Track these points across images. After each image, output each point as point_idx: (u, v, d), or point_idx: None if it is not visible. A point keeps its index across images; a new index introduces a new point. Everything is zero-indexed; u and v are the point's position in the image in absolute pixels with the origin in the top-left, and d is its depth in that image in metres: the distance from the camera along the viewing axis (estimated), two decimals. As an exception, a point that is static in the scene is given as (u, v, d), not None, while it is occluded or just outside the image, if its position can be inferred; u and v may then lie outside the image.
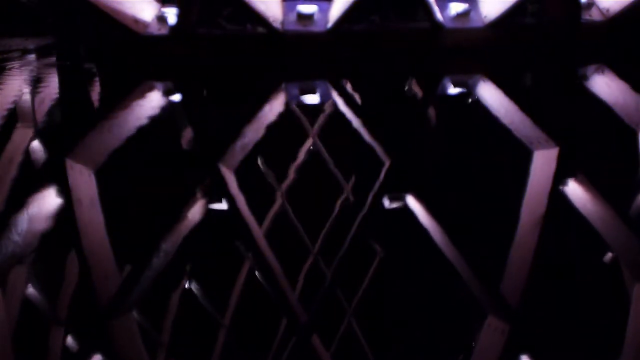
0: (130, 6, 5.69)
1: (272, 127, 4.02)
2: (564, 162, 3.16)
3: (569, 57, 5.95)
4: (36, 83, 5.55)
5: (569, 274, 2.06)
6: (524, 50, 5.92)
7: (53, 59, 6.39)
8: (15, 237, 2.26)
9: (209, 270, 2.14)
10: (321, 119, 4.22)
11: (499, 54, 5.83)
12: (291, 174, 3.11)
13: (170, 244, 2.23)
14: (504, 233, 2.32)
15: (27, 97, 4.96)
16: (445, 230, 2.31)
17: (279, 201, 2.74)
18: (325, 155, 3.39)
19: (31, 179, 3.04)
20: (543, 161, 3.16)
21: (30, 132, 3.91)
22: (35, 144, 3.62)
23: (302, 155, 3.40)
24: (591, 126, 3.87)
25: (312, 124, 4.05)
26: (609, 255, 2.17)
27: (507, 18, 5.88)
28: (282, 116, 4.34)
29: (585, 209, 2.54)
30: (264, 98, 4.89)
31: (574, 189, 2.76)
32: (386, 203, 2.62)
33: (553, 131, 3.79)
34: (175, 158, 3.33)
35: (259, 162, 3.27)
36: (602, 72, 4.89)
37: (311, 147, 3.55)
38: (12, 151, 3.46)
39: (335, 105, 4.78)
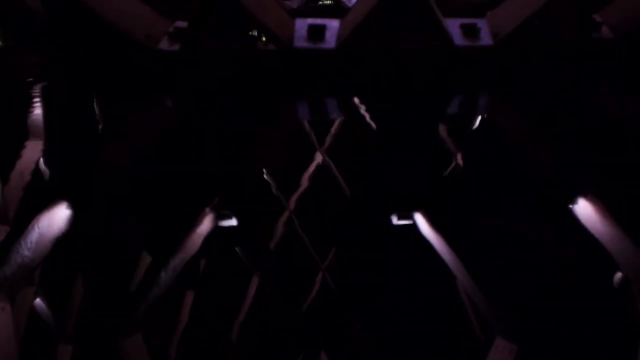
0: (142, 22, 5.72)
1: (281, 143, 4.04)
2: (574, 180, 3.16)
3: (580, 74, 5.95)
4: (47, 97, 5.57)
5: (578, 293, 2.05)
6: (534, 67, 5.92)
7: (62, 73, 6.42)
8: (25, 252, 2.26)
9: (216, 285, 2.14)
10: (330, 135, 4.23)
11: (509, 72, 5.84)
12: (299, 190, 3.12)
13: (178, 260, 2.23)
14: (513, 251, 2.31)
15: (38, 111, 5.00)
16: (453, 248, 2.30)
17: (286, 216, 2.74)
18: (335, 171, 3.39)
19: (41, 194, 3.05)
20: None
21: (40, 146, 3.93)
22: (46, 159, 3.64)
23: (310, 171, 3.40)
24: (601, 144, 3.86)
25: (321, 140, 4.05)
26: (619, 275, 2.16)
27: (516, 36, 5.89)
28: (291, 132, 4.35)
29: (595, 228, 2.53)
30: (272, 116, 4.92)
31: (583, 208, 2.75)
32: (394, 220, 2.61)
33: (563, 150, 3.80)
34: (185, 173, 3.34)
35: (267, 177, 3.27)
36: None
37: (320, 163, 3.55)
38: (22, 166, 3.47)
39: (344, 122, 4.80)
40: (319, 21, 5.83)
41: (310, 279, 2.13)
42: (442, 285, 2.10)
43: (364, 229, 2.59)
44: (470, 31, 5.77)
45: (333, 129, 4.54)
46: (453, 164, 3.58)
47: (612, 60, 5.99)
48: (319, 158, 3.67)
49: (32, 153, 3.76)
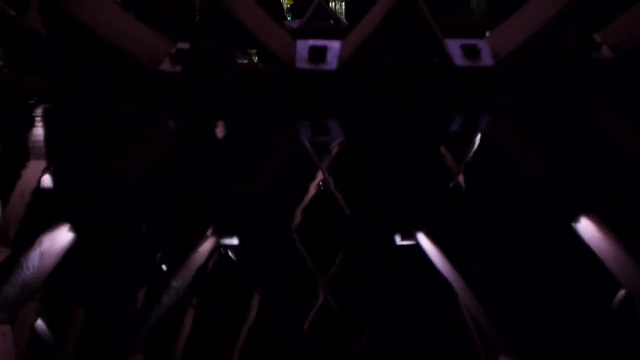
0: (143, 43, 5.75)
1: (281, 164, 4.04)
2: (576, 199, 3.16)
3: (580, 93, 5.98)
4: (49, 117, 5.58)
5: (583, 312, 2.04)
6: (534, 87, 5.95)
7: (64, 94, 6.44)
8: (27, 273, 2.26)
9: (216, 304, 2.13)
10: (331, 154, 4.24)
11: (510, 92, 5.86)
12: (299, 210, 3.11)
13: (180, 280, 2.23)
14: (517, 269, 2.30)
15: (39, 131, 5.02)
16: (457, 269, 2.30)
17: (288, 236, 2.74)
18: (334, 190, 3.39)
19: (43, 215, 3.05)
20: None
21: (42, 166, 3.93)
22: (47, 179, 3.64)
23: (311, 190, 3.40)
24: (602, 162, 3.86)
25: (321, 160, 4.06)
26: (621, 293, 2.15)
27: (517, 56, 5.92)
28: (291, 153, 4.36)
29: (597, 246, 2.53)
30: (273, 136, 4.93)
31: (586, 226, 2.76)
32: (397, 240, 2.61)
33: (564, 168, 3.81)
34: (186, 193, 3.34)
35: (268, 196, 3.27)
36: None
37: (320, 184, 3.55)
38: (23, 186, 3.47)
39: (345, 142, 4.81)
40: (320, 42, 5.86)
41: (311, 298, 2.13)
42: (444, 304, 2.09)
43: (366, 248, 2.59)
44: (471, 52, 5.80)
45: (333, 148, 4.56)
46: (454, 181, 3.59)
47: (612, 79, 6.01)
48: (319, 177, 3.67)
49: (34, 173, 3.77)
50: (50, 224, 2.79)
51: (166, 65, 5.64)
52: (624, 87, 5.82)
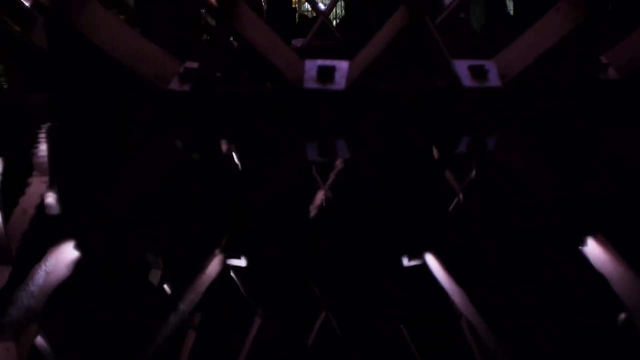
0: (152, 62, 5.77)
1: (287, 182, 4.04)
2: (584, 220, 3.14)
3: (587, 114, 5.97)
4: (53, 133, 5.59)
5: (590, 334, 2.02)
6: (542, 108, 5.95)
7: (69, 110, 6.45)
8: (32, 292, 2.25)
9: (218, 322, 2.12)
10: (336, 172, 4.24)
11: (517, 112, 5.86)
12: (305, 229, 3.09)
13: (187, 302, 2.22)
14: (523, 290, 2.29)
15: (43, 146, 5.01)
16: (465, 290, 2.28)
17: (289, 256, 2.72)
18: (338, 209, 3.38)
19: (47, 231, 3.04)
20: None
21: (45, 183, 3.91)
22: (51, 196, 3.63)
23: (313, 210, 3.39)
24: (610, 184, 3.85)
25: (326, 179, 4.05)
26: (622, 315, 2.14)
27: (525, 77, 5.92)
28: (296, 172, 4.36)
29: (605, 269, 2.51)
30: (281, 156, 4.94)
31: (593, 248, 2.74)
32: (404, 261, 2.59)
33: (570, 189, 3.80)
34: (194, 212, 3.34)
35: (272, 216, 3.26)
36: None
37: (324, 203, 3.53)
38: (26, 202, 3.45)
39: (350, 161, 4.82)
40: (328, 62, 5.87)
41: (312, 320, 2.11)
42: (449, 325, 2.07)
43: (371, 268, 2.57)
44: (478, 72, 5.80)
45: (337, 165, 4.56)
46: (455, 200, 3.58)
47: (618, 100, 6.02)
48: (321, 195, 3.66)
49: (37, 190, 3.75)
50: (55, 242, 2.78)
51: (175, 84, 5.64)
52: (630, 108, 5.82)
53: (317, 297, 2.29)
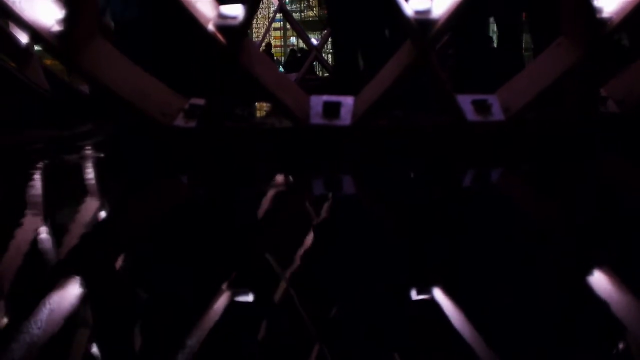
0: (157, 99, 5.80)
1: (294, 218, 4.03)
2: (590, 252, 3.13)
3: (589, 147, 6.00)
4: (49, 171, 5.59)
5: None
6: (544, 141, 5.97)
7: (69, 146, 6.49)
8: (35, 331, 2.23)
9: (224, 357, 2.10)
10: (329, 205, 4.24)
11: (521, 146, 5.88)
12: (297, 259, 3.08)
13: (195, 339, 2.20)
14: (530, 323, 2.27)
15: (38, 184, 4.98)
16: (474, 325, 2.27)
17: (282, 287, 2.70)
18: (339, 243, 3.36)
19: (49, 270, 3.02)
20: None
21: (39, 220, 3.92)
22: (44, 233, 3.60)
23: (309, 241, 3.38)
24: (615, 215, 3.84)
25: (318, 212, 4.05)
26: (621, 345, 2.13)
27: (527, 111, 5.95)
28: (302, 207, 4.36)
29: (611, 301, 2.50)
30: (287, 191, 4.94)
31: (599, 280, 2.72)
32: (413, 295, 2.58)
33: (578, 222, 3.79)
34: (200, 250, 3.33)
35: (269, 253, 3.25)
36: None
37: (321, 236, 3.52)
38: (20, 239, 3.43)
39: (355, 195, 4.81)
40: (333, 98, 5.90)
41: (307, 353, 2.08)
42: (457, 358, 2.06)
43: (380, 303, 2.56)
44: (481, 107, 5.83)
45: (329, 198, 4.56)
46: (464, 234, 3.57)
47: (619, 133, 6.04)
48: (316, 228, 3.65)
49: (31, 228, 3.67)
50: (57, 278, 2.78)
51: (180, 121, 5.68)
52: (630, 140, 5.87)
53: (314, 332, 2.27)
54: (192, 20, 5.44)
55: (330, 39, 15.42)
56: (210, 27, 5.42)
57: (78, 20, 5.37)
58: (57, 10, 5.40)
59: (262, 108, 9.55)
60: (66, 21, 5.30)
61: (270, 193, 4.77)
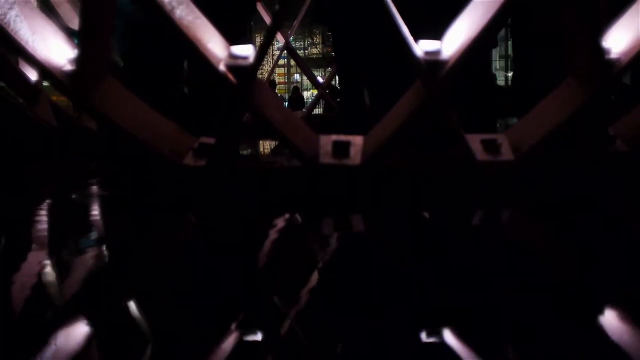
0: (166, 138, 5.82)
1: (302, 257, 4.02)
2: (599, 290, 3.10)
3: (597, 186, 5.98)
4: (55, 208, 5.59)
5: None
6: (554, 180, 5.96)
7: (75, 185, 6.51)
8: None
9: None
10: (334, 247, 4.22)
11: (530, 185, 5.86)
12: (303, 296, 3.05)
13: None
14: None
15: (43, 219, 4.99)
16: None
17: (287, 323, 2.68)
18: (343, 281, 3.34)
19: (54, 309, 3.01)
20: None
21: (44, 257, 3.88)
22: (50, 271, 3.58)
23: (314, 279, 3.36)
24: (625, 253, 3.82)
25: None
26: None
27: (537, 150, 5.95)
28: (312, 246, 4.34)
29: (621, 339, 2.47)
30: (297, 231, 4.93)
31: (610, 318, 2.70)
32: (423, 337, 2.55)
33: (588, 259, 3.76)
34: (209, 288, 3.31)
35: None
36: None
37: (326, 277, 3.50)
38: (24, 276, 3.42)
39: (363, 233, 4.80)
40: (343, 138, 5.91)
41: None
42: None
43: (388, 344, 2.52)
44: (491, 146, 5.83)
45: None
46: (473, 272, 3.54)
47: (628, 173, 6.03)
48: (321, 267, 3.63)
49: (36, 263, 3.65)
50: (63, 317, 2.76)
51: (189, 160, 5.70)
52: (638, 180, 5.87)
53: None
54: (203, 60, 5.48)
55: (336, 76, 15.49)
56: (222, 67, 5.46)
57: (90, 60, 5.43)
58: (70, 49, 5.46)
59: (264, 145, 9.59)
60: (79, 61, 5.36)
61: (277, 232, 4.76)
